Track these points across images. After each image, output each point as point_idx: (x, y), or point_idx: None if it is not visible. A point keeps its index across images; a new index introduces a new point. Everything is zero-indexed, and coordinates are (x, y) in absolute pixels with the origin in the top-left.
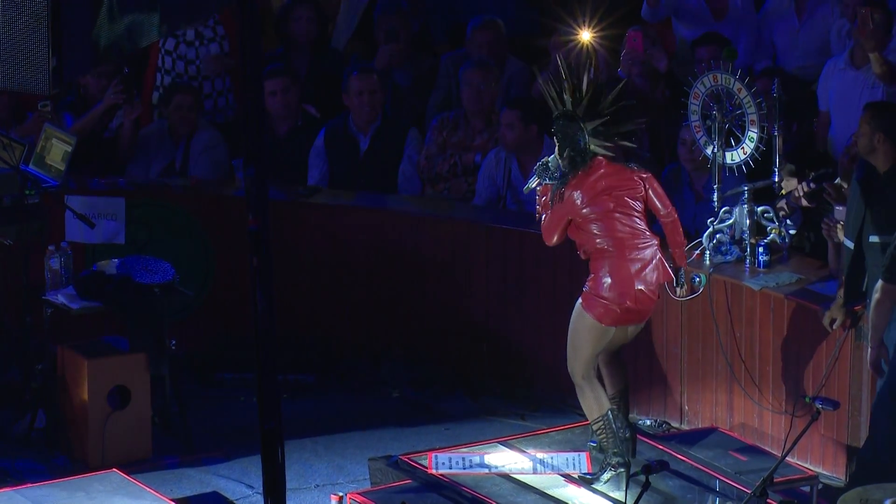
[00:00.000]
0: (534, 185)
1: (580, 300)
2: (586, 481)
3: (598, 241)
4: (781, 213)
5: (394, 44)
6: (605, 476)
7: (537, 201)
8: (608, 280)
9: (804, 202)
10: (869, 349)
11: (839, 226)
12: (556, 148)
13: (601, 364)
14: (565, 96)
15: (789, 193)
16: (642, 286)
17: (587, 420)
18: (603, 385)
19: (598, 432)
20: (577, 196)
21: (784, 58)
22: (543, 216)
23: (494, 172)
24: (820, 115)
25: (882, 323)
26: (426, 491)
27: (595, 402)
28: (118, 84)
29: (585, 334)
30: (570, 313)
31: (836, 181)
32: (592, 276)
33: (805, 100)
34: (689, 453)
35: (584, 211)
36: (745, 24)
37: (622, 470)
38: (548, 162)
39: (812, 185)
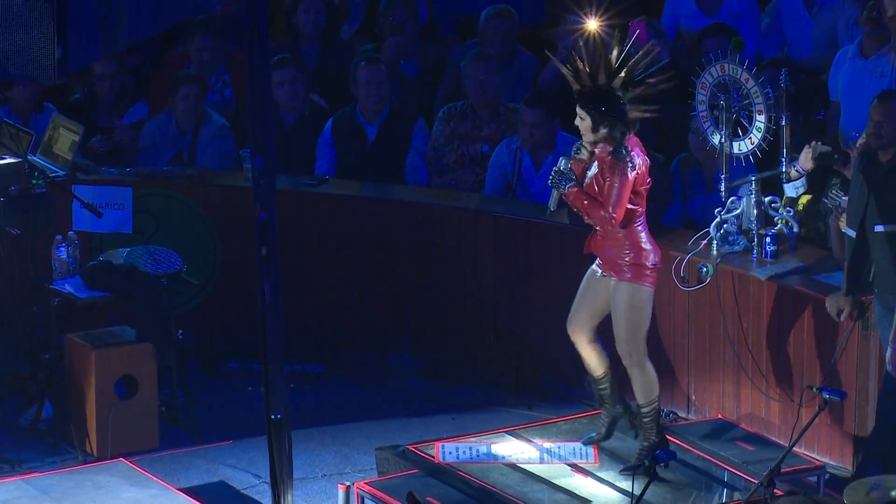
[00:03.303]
0: (556, 204)
1: (627, 279)
2: (631, 469)
3: (639, 208)
4: (791, 175)
5: (400, 36)
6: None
7: (574, 197)
8: (649, 246)
9: (809, 160)
10: (890, 350)
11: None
12: (590, 125)
13: (588, 343)
14: (598, 75)
15: (795, 159)
16: None
17: (595, 410)
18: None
19: (650, 413)
20: (641, 163)
21: (794, 49)
22: (605, 201)
23: (505, 163)
24: (831, 106)
25: None
26: (433, 480)
27: (653, 382)
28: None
29: (646, 308)
30: None
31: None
32: (631, 246)
33: (814, 90)
34: (696, 443)
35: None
36: (746, 16)
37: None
38: (580, 145)
39: (819, 142)
